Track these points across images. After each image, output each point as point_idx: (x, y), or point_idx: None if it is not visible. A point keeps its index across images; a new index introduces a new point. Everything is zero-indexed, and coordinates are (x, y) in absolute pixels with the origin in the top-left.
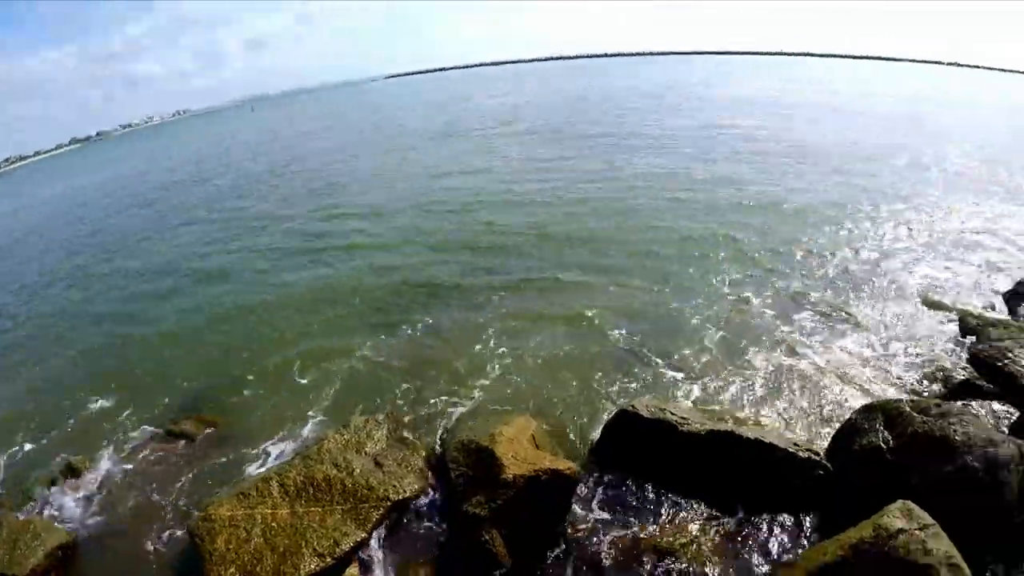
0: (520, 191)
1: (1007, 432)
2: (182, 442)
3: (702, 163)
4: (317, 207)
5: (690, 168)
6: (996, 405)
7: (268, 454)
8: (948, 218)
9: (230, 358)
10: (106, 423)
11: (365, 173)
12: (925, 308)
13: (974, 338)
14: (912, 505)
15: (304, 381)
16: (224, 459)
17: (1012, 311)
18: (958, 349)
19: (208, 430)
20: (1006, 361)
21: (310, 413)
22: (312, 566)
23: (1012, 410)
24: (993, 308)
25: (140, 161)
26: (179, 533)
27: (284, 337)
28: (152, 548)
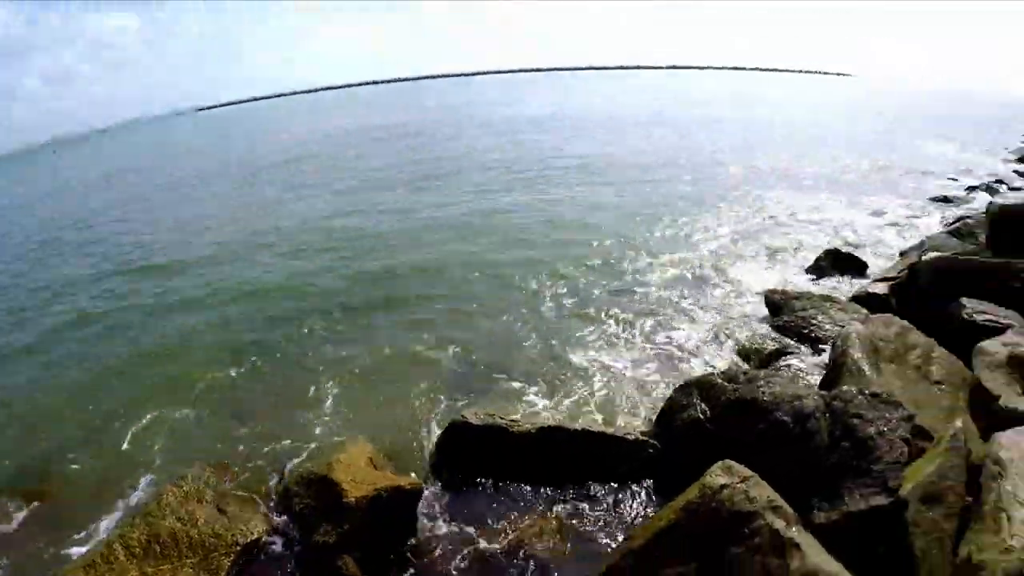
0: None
1: (817, 387)
2: (14, 512)
3: (496, 192)
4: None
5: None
6: (806, 363)
7: (103, 520)
8: (750, 210)
9: (51, 423)
10: None
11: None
12: (734, 295)
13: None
14: (731, 462)
15: (133, 438)
16: (55, 533)
17: (819, 277)
18: (767, 326)
19: (31, 504)
20: (811, 328)
21: (144, 471)
22: None
23: (821, 365)
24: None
25: None
26: None
27: (107, 397)
28: None
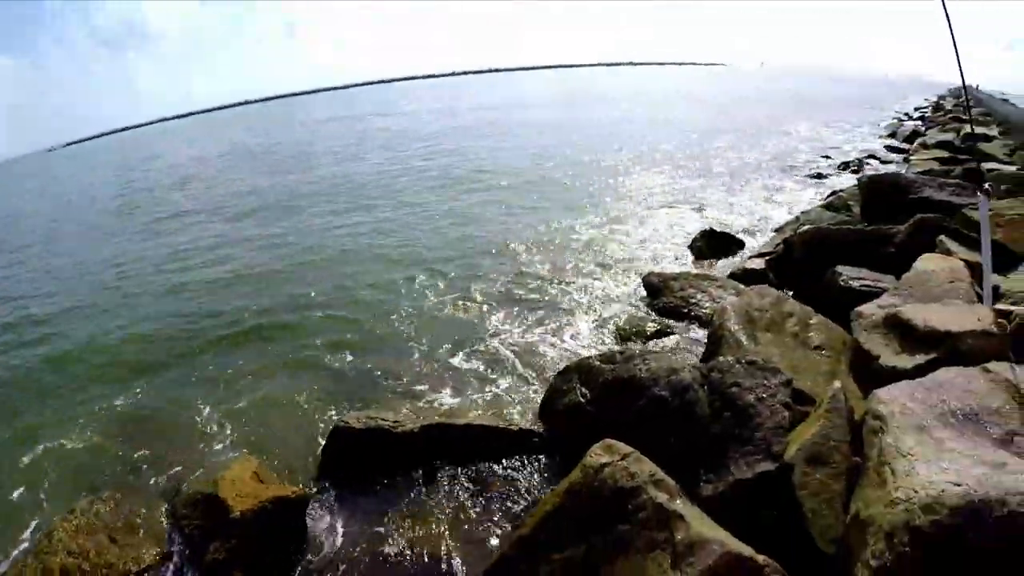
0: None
1: (699, 360)
2: None
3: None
4: None
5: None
6: (686, 340)
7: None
8: (622, 200)
9: None
10: None
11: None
12: (613, 281)
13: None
14: (612, 441)
15: (19, 477)
16: None
17: (697, 258)
18: (647, 309)
19: None
20: (690, 307)
21: (33, 510)
22: None
23: (701, 342)
24: (681, 264)
25: None
26: None
27: None
28: None
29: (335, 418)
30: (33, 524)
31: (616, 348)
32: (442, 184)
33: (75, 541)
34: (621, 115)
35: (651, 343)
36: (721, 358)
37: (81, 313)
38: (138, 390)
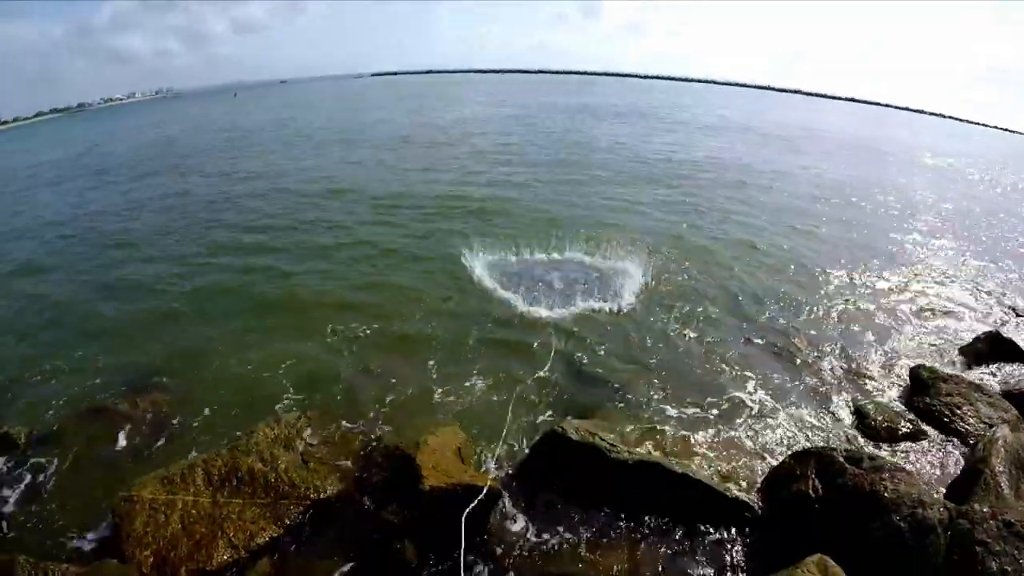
0: None
1: (946, 490)
2: (119, 418)
3: None
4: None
5: None
6: (937, 457)
7: (203, 438)
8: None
9: (174, 339)
10: (54, 384)
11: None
12: (877, 356)
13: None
14: (829, 560)
15: (252, 371)
16: (160, 442)
17: (968, 366)
18: (905, 402)
19: (147, 409)
20: (953, 418)
21: (246, 404)
22: (225, 556)
23: (954, 465)
24: (954, 364)
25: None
26: (102, 510)
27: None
28: (74, 521)
29: (548, 415)
30: (242, 416)
31: (863, 444)
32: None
33: (271, 450)
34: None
35: (901, 445)
36: (976, 505)
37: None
38: (385, 328)
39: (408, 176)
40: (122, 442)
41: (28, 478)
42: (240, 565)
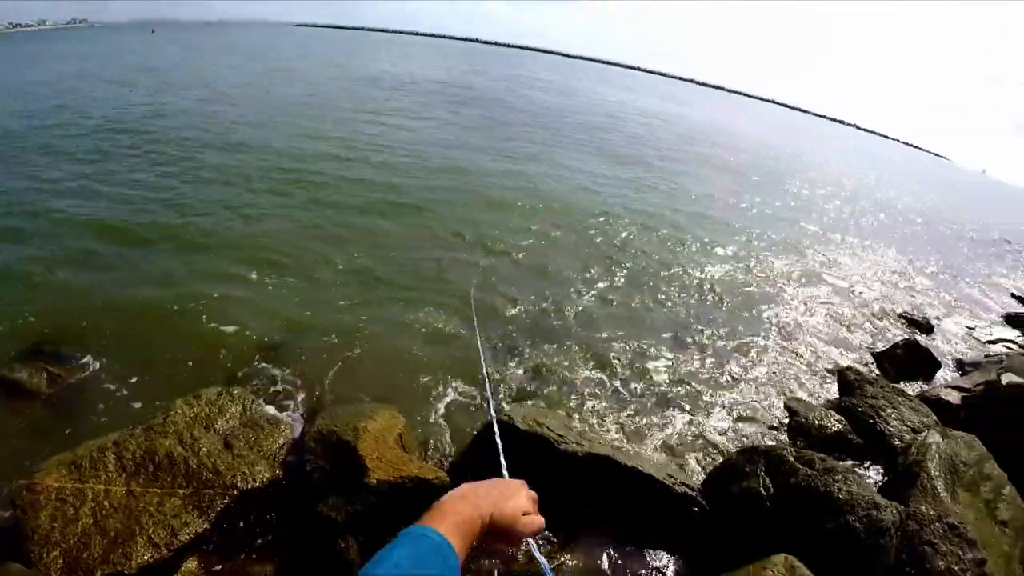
0: None
1: (878, 491)
2: (19, 393)
3: None
4: None
5: None
6: (865, 458)
7: (111, 419)
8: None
9: (90, 304)
10: None
11: None
12: (805, 356)
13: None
14: (795, 561)
15: (163, 338)
16: (64, 420)
17: (886, 372)
18: (831, 404)
19: (52, 384)
20: (878, 420)
21: (160, 374)
22: (146, 557)
23: (881, 470)
24: (868, 366)
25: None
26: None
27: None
28: None
29: (484, 395)
30: (154, 391)
31: (799, 443)
32: None
33: (190, 431)
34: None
35: (828, 447)
36: (923, 507)
37: None
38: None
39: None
40: (22, 420)
41: None
42: (164, 566)
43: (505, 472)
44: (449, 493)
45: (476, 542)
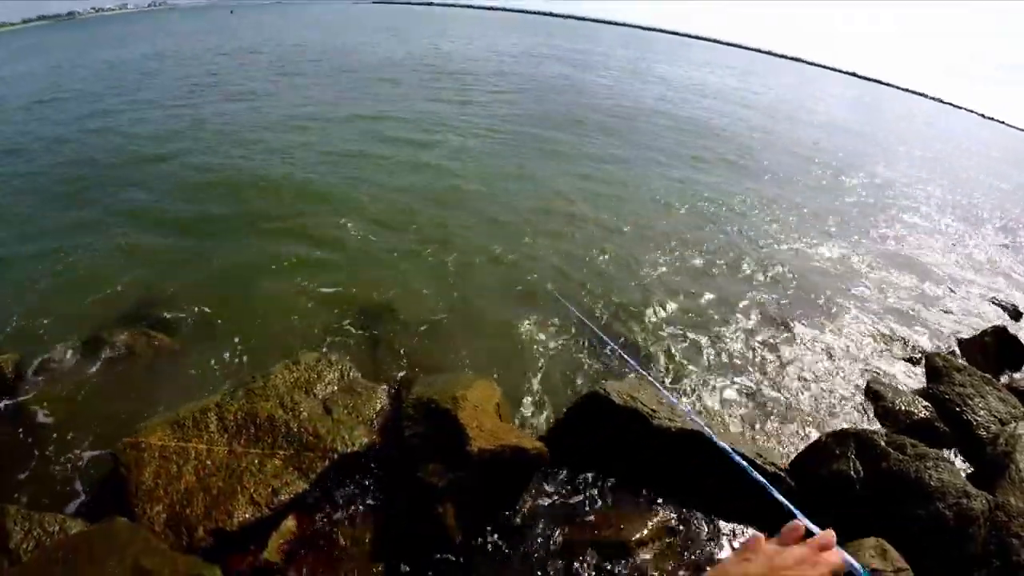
0: None
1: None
2: (122, 355)
3: None
4: None
5: None
6: (951, 447)
7: (212, 381)
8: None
9: (183, 274)
10: (40, 319)
11: None
12: (890, 342)
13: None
14: (886, 544)
15: (268, 301)
16: (165, 381)
17: (973, 360)
18: (917, 390)
19: (150, 347)
20: (965, 409)
21: (264, 339)
22: (247, 515)
23: (966, 460)
24: (954, 354)
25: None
26: (100, 456)
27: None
28: (69, 468)
29: (584, 376)
30: (256, 355)
31: (887, 426)
32: None
33: (290, 394)
34: None
35: (913, 433)
36: (1012, 500)
37: None
38: (418, 271)
39: None
40: (122, 381)
41: (19, 417)
42: (264, 524)
43: (807, 522)
44: None
45: None
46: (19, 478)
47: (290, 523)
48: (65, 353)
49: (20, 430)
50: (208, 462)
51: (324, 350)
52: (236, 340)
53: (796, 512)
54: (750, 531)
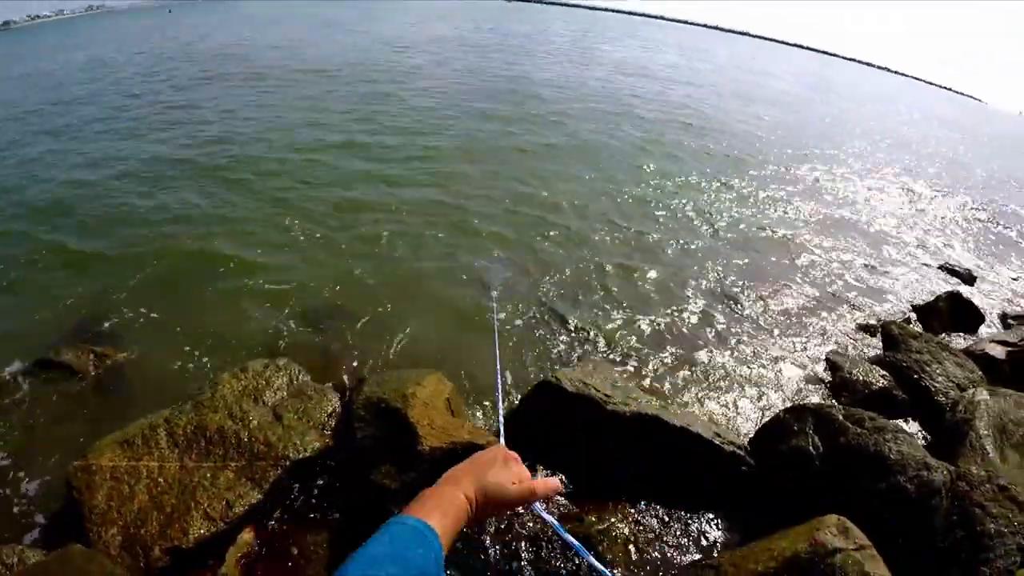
0: None
1: (925, 449)
2: (66, 376)
3: None
4: None
5: None
6: (910, 415)
7: (160, 394)
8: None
9: (121, 283)
10: None
11: None
12: (848, 310)
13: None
14: (848, 523)
15: (207, 309)
16: (113, 399)
17: (928, 325)
18: (874, 358)
19: (99, 364)
20: (923, 375)
21: (206, 349)
22: (202, 531)
23: (927, 428)
24: (909, 321)
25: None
26: (53, 482)
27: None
28: (21, 496)
29: (532, 362)
30: (203, 365)
31: (843, 397)
32: None
33: (239, 404)
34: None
35: (872, 403)
36: (974, 469)
37: None
38: (351, 268)
39: None
40: (70, 402)
41: None
42: (220, 538)
43: (502, 440)
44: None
45: (471, 520)
46: None
47: (247, 535)
48: (12, 380)
49: None
50: (160, 479)
51: (272, 355)
52: (185, 349)
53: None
54: (710, 515)
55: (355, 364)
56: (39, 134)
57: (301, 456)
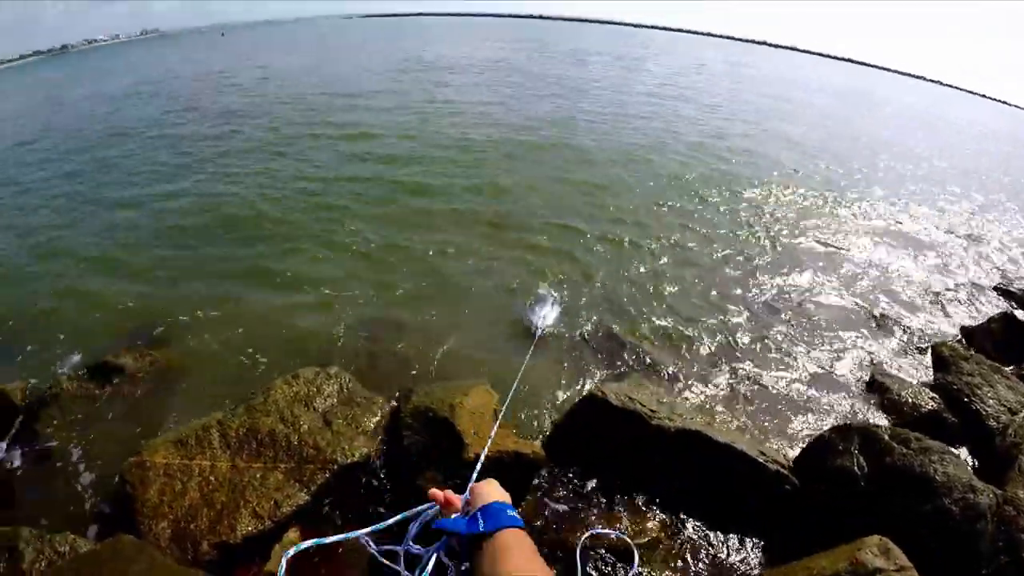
0: None
1: (974, 474)
2: (120, 377)
3: None
4: None
5: None
6: (959, 438)
7: (213, 398)
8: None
9: (180, 291)
10: (37, 344)
11: None
12: (898, 331)
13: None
14: (890, 543)
15: (261, 319)
16: (167, 400)
17: (981, 347)
18: (925, 381)
19: (153, 367)
20: (974, 399)
21: (261, 357)
22: (250, 528)
23: (976, 452)
24: (960, 342)
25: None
26: (107, 477)
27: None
28: (77, 489)
29: (577, 375)
30: (255, 371)
31: (892, 419)
32: None
33: (290, 408)
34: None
35: (921, 426)
36: (1021, 493)
37: None
38: (403, 288)
39: None
40: (127, 402)
41: (29, 441)
42: (266, 537)
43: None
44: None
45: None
46: (31, 501)
47: (292, 535)
48: (72, 379)
49: (32, 455)
50: (212, 478)
51: (323, 363)
52: (239, 356)
53: None
54: (751, 532)
55: (402, 374)
56: (106, 147)
57: (349, 461)
